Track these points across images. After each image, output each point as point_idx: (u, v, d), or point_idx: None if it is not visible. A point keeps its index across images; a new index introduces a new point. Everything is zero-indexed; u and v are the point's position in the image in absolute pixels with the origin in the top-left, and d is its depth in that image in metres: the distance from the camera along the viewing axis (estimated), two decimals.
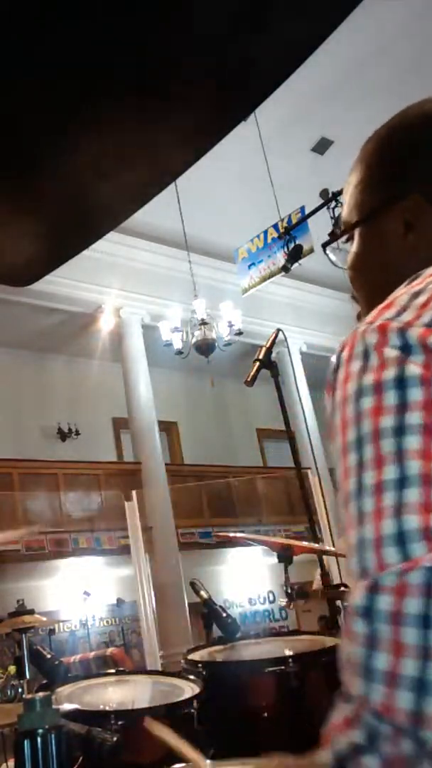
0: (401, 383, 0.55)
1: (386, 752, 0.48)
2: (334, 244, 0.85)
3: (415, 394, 0.54)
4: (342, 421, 0.57)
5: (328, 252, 0.87)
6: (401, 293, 0.62)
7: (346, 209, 0.82)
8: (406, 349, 0.56)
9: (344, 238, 0.82)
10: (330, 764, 0.50)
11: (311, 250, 7.99)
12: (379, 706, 0.48)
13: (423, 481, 0.51)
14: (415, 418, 0.53)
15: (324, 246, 0.88)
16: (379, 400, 0.55)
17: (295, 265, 8.03)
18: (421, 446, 0.52)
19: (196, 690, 1.30)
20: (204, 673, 1.38)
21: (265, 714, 1.31)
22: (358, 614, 0.50)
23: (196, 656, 1.54)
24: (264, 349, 2.43)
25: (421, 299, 0.59)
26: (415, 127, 0.77)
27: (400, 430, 0.53)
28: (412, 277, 0.66)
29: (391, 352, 0.56)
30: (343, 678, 0.52)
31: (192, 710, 1.24)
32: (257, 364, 2.38)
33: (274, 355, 2.45)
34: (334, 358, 0.62)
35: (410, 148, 0.76)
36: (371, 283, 0.79)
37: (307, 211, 8.09)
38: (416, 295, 0.60)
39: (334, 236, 0.84)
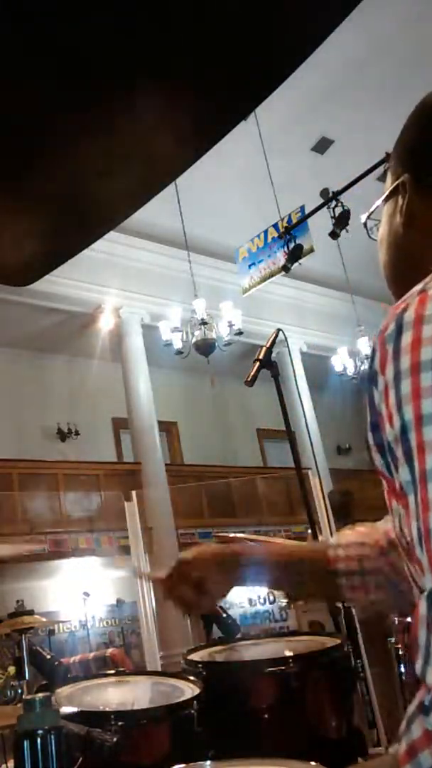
0: None
1: None
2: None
3: None
4: (414, 390, 0.51)
5: (366, 221, 0.89)
6: None
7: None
8: None
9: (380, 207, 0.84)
10: None
11: (311, 250, 7.98)
12: None
13: None
14: None
15: (367, 218, 0.89)
16: None
17: (295, 264, 8.03)
18: None
19: (196, 691, 1.30)
20: (204, 673, 1.37)
21: (265, 714, 1.31)
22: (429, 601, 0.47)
23: (196, 656, 1.54)
24: (264, 349, 2.42)
25: None
26: None
27: None
28: None
29: None
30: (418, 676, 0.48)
31: (192, 711, 1.24)
32: (257, 364, 2.38)
33: (274, 355, 2.45)
34: (390, 324, 0.56)
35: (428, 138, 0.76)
36: (386, 257, 0.82)
37: (307, 211, 8.08)
38: None
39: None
